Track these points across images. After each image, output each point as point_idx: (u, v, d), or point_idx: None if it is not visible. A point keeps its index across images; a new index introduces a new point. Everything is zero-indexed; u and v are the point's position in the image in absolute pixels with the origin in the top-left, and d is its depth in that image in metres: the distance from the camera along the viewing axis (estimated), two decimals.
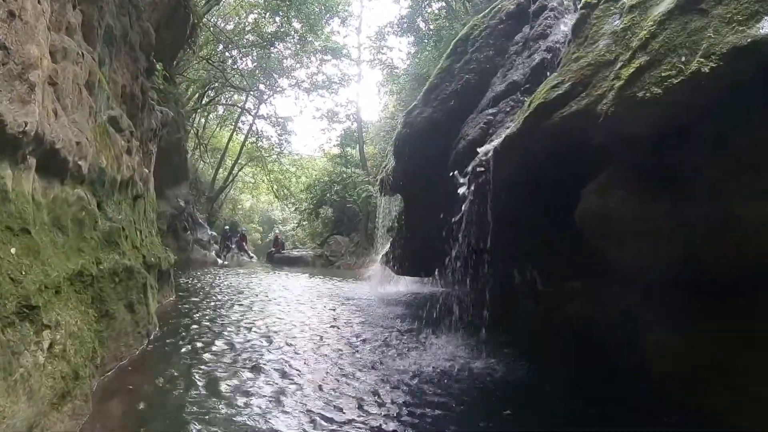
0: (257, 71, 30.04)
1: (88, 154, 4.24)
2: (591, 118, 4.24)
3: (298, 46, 29.45)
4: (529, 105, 5.24)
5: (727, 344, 3.81)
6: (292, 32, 27.49)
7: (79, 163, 4.15)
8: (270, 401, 4.18)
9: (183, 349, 5.62)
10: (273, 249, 32.32)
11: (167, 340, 5.92)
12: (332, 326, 7.66)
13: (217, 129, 38.36)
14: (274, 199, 45.12)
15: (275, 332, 6.92)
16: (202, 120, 35.01)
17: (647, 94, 3.72)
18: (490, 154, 5.75)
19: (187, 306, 8.59)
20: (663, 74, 3.66)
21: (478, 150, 6.17)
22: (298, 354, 5.78)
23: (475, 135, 6.77)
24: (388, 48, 32.02)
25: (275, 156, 38.29)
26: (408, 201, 8.92)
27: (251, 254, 32.50)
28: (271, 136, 37.21)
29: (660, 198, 4.01)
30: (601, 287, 5.25)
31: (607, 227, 4.52)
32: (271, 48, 28.26)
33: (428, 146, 7.84)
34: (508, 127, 6.24)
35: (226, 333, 6.67)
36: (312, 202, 35.87)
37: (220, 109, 37.26)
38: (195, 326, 6.93)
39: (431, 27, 25.84)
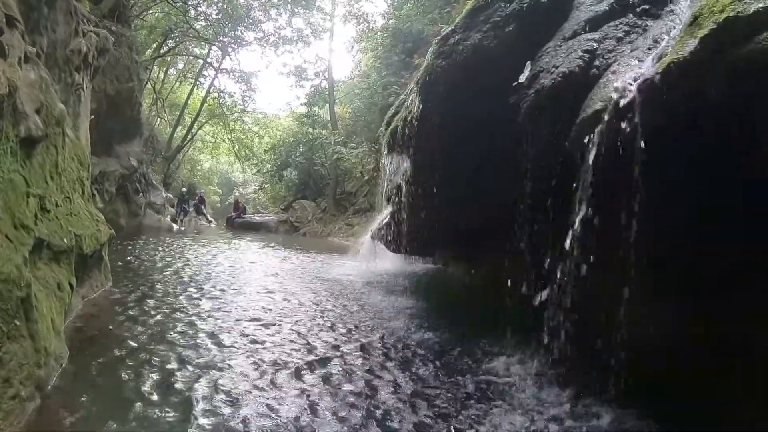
0: (222, 20, 26.68)
1: None
2: None
3: None
4: (704, 14, 3.10)
5: None
6: None
7: None
8: None
9: (100, 414, 3.07)
10: (233, 213, 29.35)
11: (76, 388, 3.33)
12: (330, 336, 5.20)
13: (177, 84, 34.83)
14: (234, 160, 41.94)
15: (253, 358, 4.42)
16: (161, 74, 31.63)
17: None
18: (630, 91, 3.38)
19: (125, 301, 5.91)
20: None
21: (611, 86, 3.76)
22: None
23: (571, 67, 4.34)
24: None
25: (237, 114, 35.05)
26: (434, 159, 6.34)
27: (210, 218, 29.59)
28: (234, 93, 33.90)
29: None
30: None
31: None
32: None
33: (476, 83, 5.35)
34: (637, 57, 3.93)
35: (178, 360, 4.12)
36: (275, 164, 33.19)
37: (180, 64, 33.85)
38: (129, 344, 4.34)
39: None
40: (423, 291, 8.15)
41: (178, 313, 5.62)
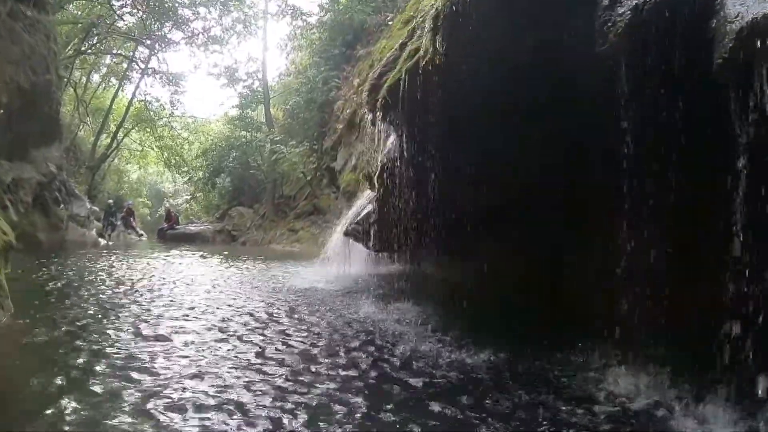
0: (149, 15, 24.33)
1: None
2: None
3: None
4: None
5: None
6: None
7: None
8: None
9: None
10: (165, 225, 26.80)
11: None
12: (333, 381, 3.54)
13: (101, 89, 31.89)
14: (163, 170, 39.21)
15: None
16: (83, 78, 28.82)
17: None
18: None
19: (27, 339, 4.02)
20: None
21: None
22: None
23: None
24: None
25: (166, 119, 32.48)
26: (466, 105, 4.65)
27: (140, 231, 27.08)
28: (161, 96, 31.36)
29: None
30: None
31: None
32: None
33: (530, 12, 3.82)
34: None
35: None
36: (207, 171, 30.71)
37: (104, 69, 31.02)
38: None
39: None
40: (416, 295, 6.49)
41: (102, 361, 3.73)
